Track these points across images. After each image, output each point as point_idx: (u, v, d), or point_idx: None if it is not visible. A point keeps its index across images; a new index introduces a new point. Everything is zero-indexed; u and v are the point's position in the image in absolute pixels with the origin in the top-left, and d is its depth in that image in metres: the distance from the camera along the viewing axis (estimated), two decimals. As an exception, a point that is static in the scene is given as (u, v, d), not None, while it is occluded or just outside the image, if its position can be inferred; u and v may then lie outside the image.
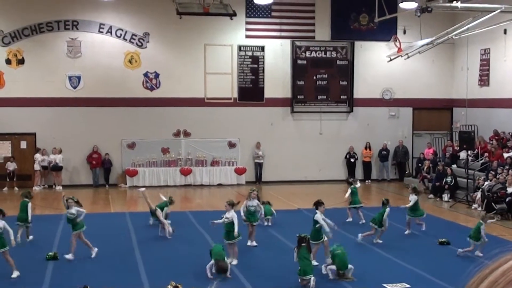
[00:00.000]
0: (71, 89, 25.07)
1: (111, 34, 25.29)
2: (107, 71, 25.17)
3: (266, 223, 17.04)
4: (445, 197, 22.24)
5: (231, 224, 12.82)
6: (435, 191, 22.77)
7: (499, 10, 19.89)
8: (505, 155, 21.83)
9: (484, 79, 25.28)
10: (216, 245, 12.52)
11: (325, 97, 26.86)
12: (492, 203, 19.12)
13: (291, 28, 26.38)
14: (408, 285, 11.56)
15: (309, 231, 12.59)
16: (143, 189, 17.78)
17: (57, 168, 24.74)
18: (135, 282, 11.81)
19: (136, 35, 25.46)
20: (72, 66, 24.96)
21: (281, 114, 26.61)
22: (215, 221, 13.32)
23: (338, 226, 13.79)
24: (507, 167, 20.67)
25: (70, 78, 25.05)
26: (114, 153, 25.36)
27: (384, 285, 11.55)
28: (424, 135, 27.84)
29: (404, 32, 25.20)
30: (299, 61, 26.60)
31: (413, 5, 20.94)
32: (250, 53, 26.26)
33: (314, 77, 26.72)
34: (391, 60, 25.22)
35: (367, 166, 27.12)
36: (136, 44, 25.53)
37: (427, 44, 23.44)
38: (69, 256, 13.34)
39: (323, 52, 26.79)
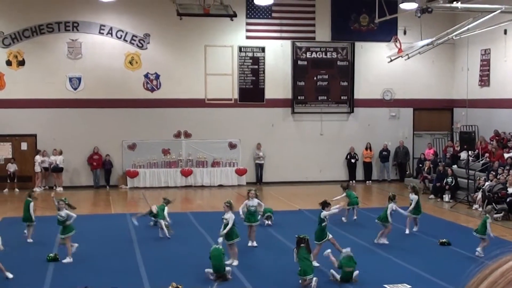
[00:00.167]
0: (71, 90, 25.07)
1: (112, 35, 25.30)
2: (108, 72, 25.16)
3: (266, 222, 17.02)
4: (446, 197, 22.23)
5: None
6: (436, 192, 22.75)
7: (499, 11, 19.90)
8: (506, 155, 21.83)
9: (484, 80, 25.27)
10: (215, 248, 12.25)
11: (325, 97, 26.85)
12: (493, 204, 19.10)
13: (292, 29, 26.38)
14: (408, 286, 11.55)
15: (310, 231, 12.60)
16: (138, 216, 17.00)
17: (57, 170, 24.72)
18: (135, 283, 11.81)
19: (136, 36, 25.47)
20: (72, 67, 24.96)
21: (281, 115, 26.60)
22: (223, 232, 12.97)
23: (337, 227, 13.78)
24: (507, 168, 20.67)
25: (70, 79, 25.05)
26: (114, 154, 25.35)
27: (385, 285, 11.54)
28: (425, 135, 27.82)
29: (405, 33, 25.23)
30: (299, 62, 26.59)
31: (413, 6, 20.93)
32: (250, 54, 26.26)
33: (315, 78, 26.71)
34: (391, 60, 25.24)
35: (367, 166, 27.10)
36: (137, 45, 25.53)
37: (428, 44, 23.45)
38: (67, 260, 13.33)
39: (323, 53, 26.79)
